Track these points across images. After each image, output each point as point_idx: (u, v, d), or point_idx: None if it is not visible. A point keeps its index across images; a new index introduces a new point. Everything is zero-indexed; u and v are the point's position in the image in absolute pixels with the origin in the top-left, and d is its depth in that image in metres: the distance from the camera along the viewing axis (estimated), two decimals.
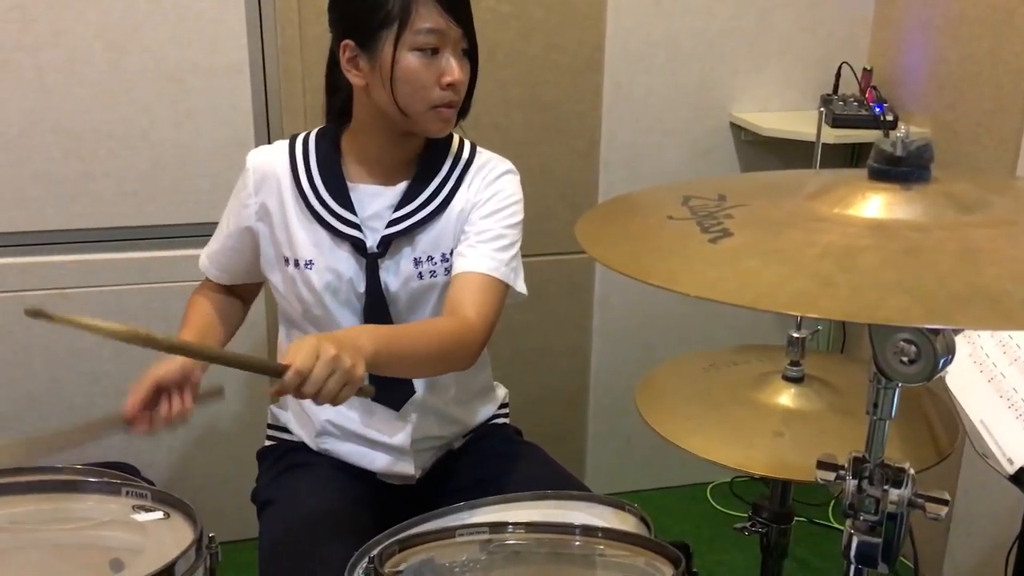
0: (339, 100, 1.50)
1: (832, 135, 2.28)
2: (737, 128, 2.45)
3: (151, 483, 2.18)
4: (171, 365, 1.30)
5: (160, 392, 1.30)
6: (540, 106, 2.31)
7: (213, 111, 2.09)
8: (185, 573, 1.07)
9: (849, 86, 2.43)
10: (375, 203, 1.44)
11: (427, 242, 1.45)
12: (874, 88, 2.37)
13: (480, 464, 1.58)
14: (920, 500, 0.93)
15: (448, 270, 1.46)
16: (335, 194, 1.43)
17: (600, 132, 2.39)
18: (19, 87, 1.99)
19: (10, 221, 2.06)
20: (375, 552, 1.16)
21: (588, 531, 1.25)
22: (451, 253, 1.46)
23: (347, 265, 1.44)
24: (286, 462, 1.55)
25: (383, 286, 1.44)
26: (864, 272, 0.75)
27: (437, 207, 1.44)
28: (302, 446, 1.56)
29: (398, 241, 1.44)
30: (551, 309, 2.43)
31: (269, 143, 2.14)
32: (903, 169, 0.86)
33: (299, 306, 1.47)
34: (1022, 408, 1.22)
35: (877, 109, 2.28)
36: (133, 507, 1.18)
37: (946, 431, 1.36)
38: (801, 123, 2.35)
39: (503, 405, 1.70)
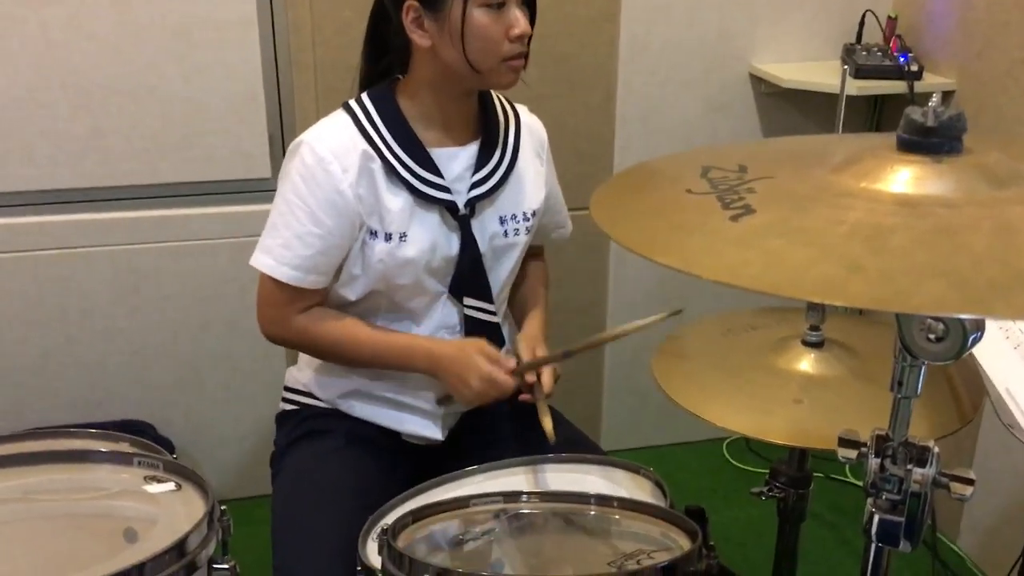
0: (385, 61, 1.46)
1: (855, 86, 2.22)
2: (757, 80, 2.39)
3: (167, 440, 2.22)
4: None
5: None
6: (554, 58, 2.26)
7: (222, 65, 2.06)
8: (198, 546, 1.06)
9: (873, 35, 2.36)
10: (454, 165, 1.43)
11: (508, 201, 1.48)
12: (899, 37, 2.30)
13: (497, 426, 1.58)
14: (944, 479, 0.91)
15: (529, 229, 1.51)
16: (419, 160, 1.40)
17: (616, 85, 2.33)
18: (24, 43, 1.96)
19: (19, 180, 2.04)
20: (388, 522, 1.16)
21: (603, 500, 1.24)
22: (532, 213, 1.51)
23: (439, 230, 1.43)
24: (305, 428, 1.54)
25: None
26: (894, 254, 0.71)
27: (508, 166, 1.48)
28: (323, 412, 1.55)
29: (482, 202, 1.45)
30: (567, 264, 2.40)
31: (279, 100, 2.14)
32: (934, 140, 0.82)
33: (384, 281, 1.43)
34: None
35: (902, 59, 2.22)
36: (145, 478, 1.18)
37: (969, 395, 1.33)
38: (823, 74, 2.28)
39: (517, 360, 1.69)
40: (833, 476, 2.46)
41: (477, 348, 1.41)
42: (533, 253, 1.67)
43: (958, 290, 0.65)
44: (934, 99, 0.83)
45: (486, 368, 1.39)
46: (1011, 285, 0.65)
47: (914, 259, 0.70)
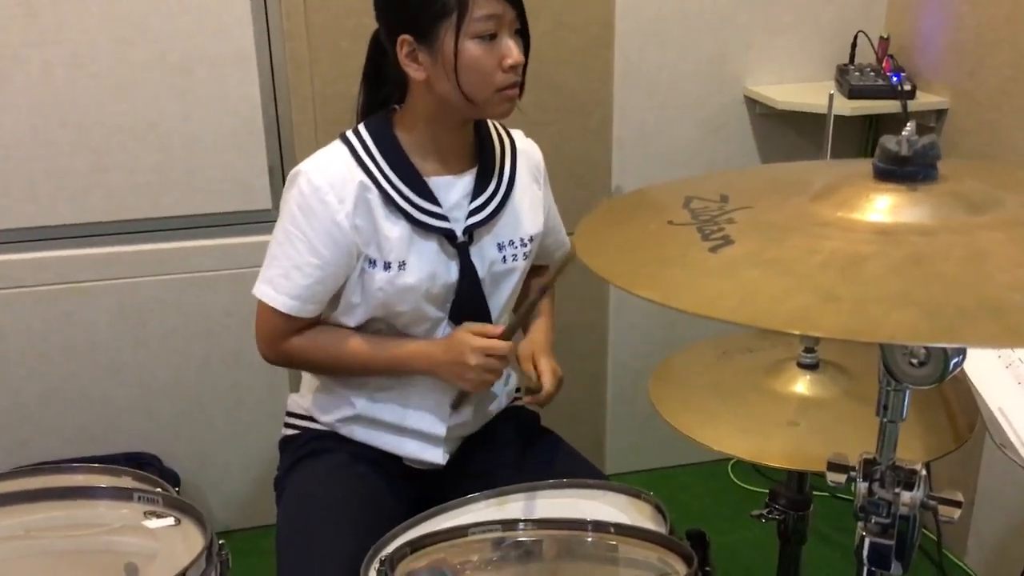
0: (383, 93, 1.48)
1: (848, 106, 2.24)
2: (752, 102, 2.40)
3: (173, 472, 2.23)
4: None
5: None
6: (550, 85, 2.28)
7: (221, 100, 2.09)
8: None
9: (866, 55, 2.38)
10: (452, 193, 1.45)
11: (506, 227, 1.50)
12: (891, 57, 2.32)
13: (499, 450, 1.59)
14: (933, 502, 0.92)
15: (527, 255, 1.53)
16: (416, 189, 1.41)
17: (612, 109, 2.35)
18: (27, 83, 1.99)
19: (23, 216, 2.07)
20: (386, 554, 1.17)
21: (600, 527, 1.25)
22: (530, 239, 1.53)
23: (438, 258, 1.44)
24: (307, 449, 1.55)
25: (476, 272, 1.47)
26: (868, 283, 0.72)
27: (506, 192, 1.49)
28: (325, 434, 1.57)
29: (480, 229, 1.47)
30: (567, 288, 2.41)
31: (279, 132, 2.17)
32: (909, 168, 0.83)
33: (383, 309, 1.44)
34: None
35: (895, 78, 2.23)
36: (145, 513, 1.19)
37: (965, 415, 1.33)
38: (816, 95, 2.30)
39: (517, 388, 1.70)
40: (838, 495, 2.46)
41: (462, 329, 1.44)
42: (537, 271, 1.69)
43: (929, 319, 0.67)
44: (908, 128, 0.84)
45: (476, 341, 1.41)
46: (980, 313, 0.66)
47: (887, 287, 0.71)
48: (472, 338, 1.41)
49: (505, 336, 1.43)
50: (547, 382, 1.49)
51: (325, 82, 2.14)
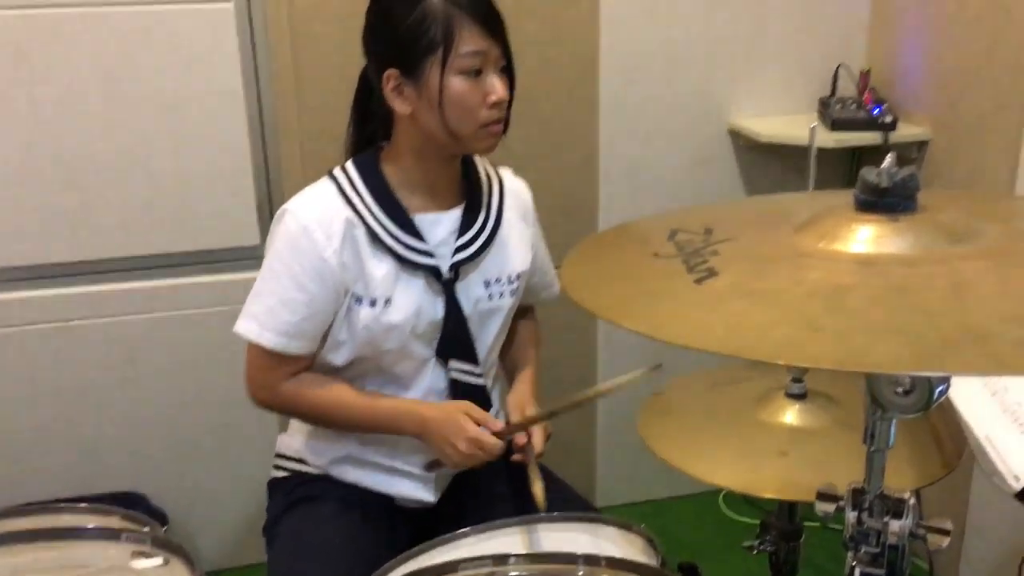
0: (370, 129, 1.49)
1: (831, 138, 2.26)
2: (736, 134, 2.43)
3: (161, 512, 2.21)
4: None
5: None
6: (536, 119, 2.30)
7: (210, 137, 2.10)
8: None
9: (847, 88, 2.41)
10: (438, 230, 1.45)
11: (493, 265, 1.49)
12: (872, 89, 2.35)
13: (489, 486, 1.58)
14: (922, 531, 0.92)
15: (514, 292, 1.52)
16: (402, 226, 1.41)
17: (598, 144, 2.38)
18: (16, 122, 1.99)
19: (12, 255, 2.07)
20: None
21: (591, 560, 1.24)
22: (517, 276, 1.52)
23: (424, 295, 1.44)
24: (298, 494, 1.54)
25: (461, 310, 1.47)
26: (852, 313, 0.73)
27: (493, 229, 1.49)
28: (315, 477, 1.55)
29: (466, 266, 1.46)
30: (555, 321, 2.41)
31: (267, 169, 2.18)
32: (889, 200, 0.85)
33: (370, 347, 1.44)
34: None
35: (876, 110, 2.26)
36: (132, 553, 1.18)
37: (953, 443, 1.34)
38: (799, 128, 2.32)
39: (507, 422, 1.70)
40: (829, 526, 2.45)
41: (463, 410, 1.42)
42: (523, 312, 1.69)
43: (912, 348, 0.67)
44: (888, 160, 0.86)
45: (473, 431, 1.39)
46: (963, 342, 0.67)
47: (871, 317, 0.72)
48: (470, 426, 1.39)
49: (502, 436, 1.42)
50: (538, 443, 1.47)
51: (313, 119, 2.16)
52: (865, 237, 0.84)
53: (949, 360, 0.66)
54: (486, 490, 1.57)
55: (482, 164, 1.55)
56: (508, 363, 1.66)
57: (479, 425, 1.41)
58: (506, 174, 1.58)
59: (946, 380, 0.85)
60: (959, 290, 0.75)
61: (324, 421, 1.50)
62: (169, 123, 2.06)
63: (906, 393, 0.85)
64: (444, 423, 1.41)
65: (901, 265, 0.80)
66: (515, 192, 1.57)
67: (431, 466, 1.50)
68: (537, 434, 1.48)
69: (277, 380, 1.44)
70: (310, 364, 1.47)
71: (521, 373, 1.63)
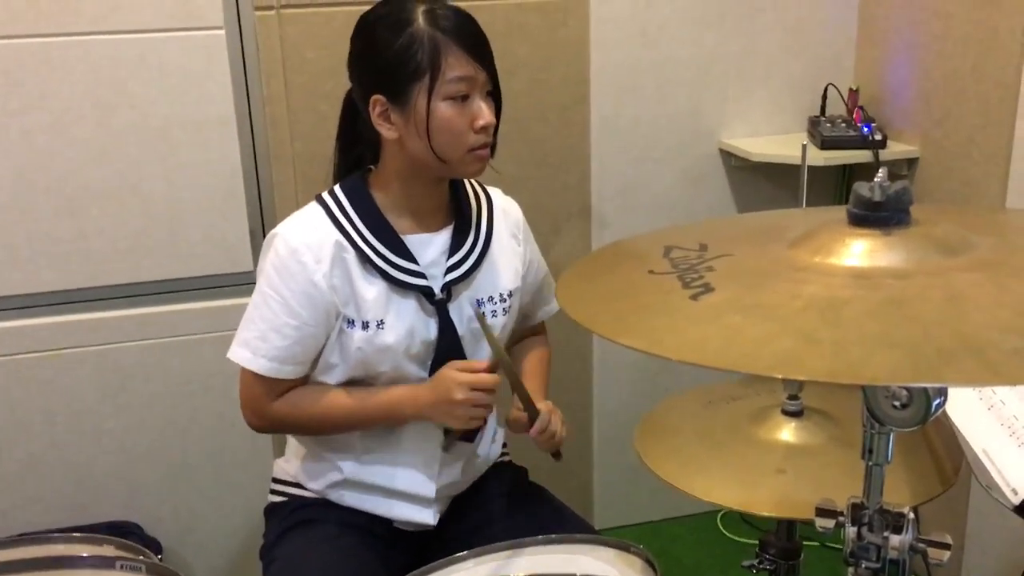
0: (357, 152, 1.49)
1: (821, 157, 2.27)
2: (727, 154, 2.44)
3: (155, 541, 2.19)
4: None
5: None
6: (528, 141, 2.31)
7: (203, 164, 2.10)
8: None
9: (836, 107, 2.43)
10: (428, 251, 1.45)
11: (484, 283, 1.50)
12: (861, 108, 2.37)
13: (488, 507, 1.58)
14: (922, 545, 0.92)
15: (506, 310, 1.52)
16: (392, 248, 1.42)
17: (590, 164, 2.39)
18: (8, 150, 1.99)
19: (3, 284, 2.06)
20: None
21: None
22: (508, 294, 1.52)
23: (417, 316, 1.44)
24: (295, 518, 1.53)
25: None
26: (848, 326, 0.73)
27: (483, 249, 1.49)
28: (312, 501, 1.55)
29: (458, 286, 1.47)
30: (551, 343, 2.42)
31: (259, 194, 2.18)
32: (883, 214, 0.85)
33: (363, 368, 1.44)
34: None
35: (865, 129, 2.28)
36: None
37: (950, 459, 1.34)
38: (790, 147, 2.34)
39: (504, 443, 1.70)
40: (828, 544, 2.44)
41: (447, 367, 1.43)
42: (534, 331, 1.70)
43: (909, 359, 0.67)
44: (880, 174, 0.86)
45: (463, 377, 1.39)
46: (959, 352, 0.67)
47: (867, 330, 0.72)
48: (457, 374, 1.40)
49: (491, 369, 1.41)
50: (541, 405, 1.47)
51: (305, 144, 2.16)
52: (859, 251, 0.84)
53: (945, 371, 0.66)
54: (484, 513, 1.57)
55: (470, 184, 1.55)
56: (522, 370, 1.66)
57: (465, 370, 1.41)
58: (496, 193, 1.59)
59: (943, 393, 0.85)
60: (954, 302, 0.75)
61: (322, 429, 1.50)
62: (161, 149, 2.07)
63: (903, 407, 0.86)
64: (434, 388, 1.42)
65: (896, 278, 0.80)
66: (504, 210, 1.57)
67: (448, 444, 1.50)
68: (539, 400, 1.49)
69: (271, 402, 1.45)
70: (301, 383, 1.47)
71: (532, 373, 1.64)
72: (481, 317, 1.44)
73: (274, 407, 1.45)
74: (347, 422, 1.47)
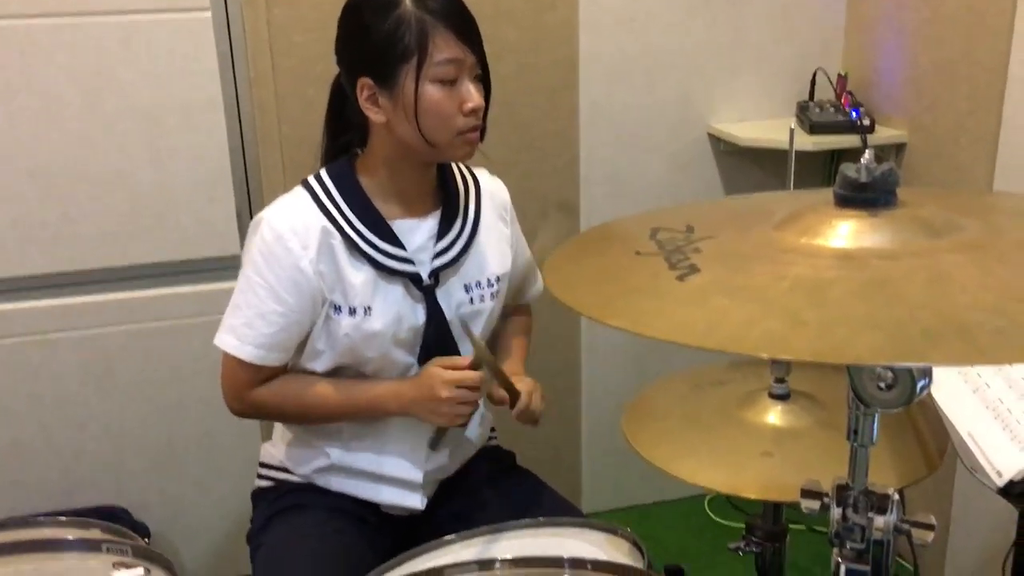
0: (345, 138, 1.48)
1: (810, 141, 2.28)
2: (715, 139, 2.44)
3: (143, 525, 2.19)
4: None
5: None
6: (517, 125, 2.31)
7: (190, 147, 2.09)
8: None
9: (825, 92, 2.43)
10: (416, 236, 1.44)
11: (472, 268, 1.49)
12: (850, 93, 2.37)
13: (475, 491, 1.58)
14: (906, 526, 0.92)
15: (495, 295, 1.51)
16: (380, 233, 1.41)
17: (578, 149, 2.38)
18: None
19: None
20: None
21: (577, 564, 1.24)
22: (497, 279, 1.51)
23: (404, 302, 1.43)
24: (282, 503, 1.53)
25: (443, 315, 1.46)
26: (833, 307, 0.73)
27: (471, 232, 1.49)
28: (299, 486, 1.55)
29: (446, 271, 1.46)
30: (539, 328, 2.42)
31: (247, 177, 2.17)
32: (869, 195, 0.85)
33: (351, 355, 1.43)
34: (1008, 419, 1.22)
35: (854, 114, 2.28)
36: (113, 564, 1.17)
37: (935, 442, 1.34)
38: (778, 132, 2.34)
39: (492, 428, 1.70)
40: (814, 528, 2.46)
41: (431, 364, 1.42)
42: (518, 309, 1.70)
43: (894, 340, 0.68)
44: (866, 156, 0.86)
45: (447, 374, 1.39)
46: (944, 333, 0.67)
47: (852, 310, 0.72)
48: (442, 371, 1.39)
49: (474, 366, 1.41)
50: (521, 387, 1.46)
51: (293, 128, 2.15)
52: (845, 232, 0.84)
53: (930, 351, 0.67)
54: (472, 497, 1.57)
55: (457, 167, 1.54)
56: (499, 348, 1.65)
57: (449, 367, 1.41)
58: (483, 175, 1.58)
59: (927, 374, 0.85)
60: (939, 282, 0.76)
61: (304, 419, 1.50)
62: (148, 133, 2.05)
63: (888, 388, 0.86)
64: (419, 384, 1.41)
65: (881, 259, 0.80)
66: (492, 192, 1.56)
67: (434, 441, 1.49)
68: (519, 381, 1.49)
69: (253, 388, 1.44)
70: (285, 370, 1.47)
71: (509, 359, 1.63)
72: (466, 326, 1.45)
73: (256, 393, 1.44)
74: (329, 415, 1.46)
